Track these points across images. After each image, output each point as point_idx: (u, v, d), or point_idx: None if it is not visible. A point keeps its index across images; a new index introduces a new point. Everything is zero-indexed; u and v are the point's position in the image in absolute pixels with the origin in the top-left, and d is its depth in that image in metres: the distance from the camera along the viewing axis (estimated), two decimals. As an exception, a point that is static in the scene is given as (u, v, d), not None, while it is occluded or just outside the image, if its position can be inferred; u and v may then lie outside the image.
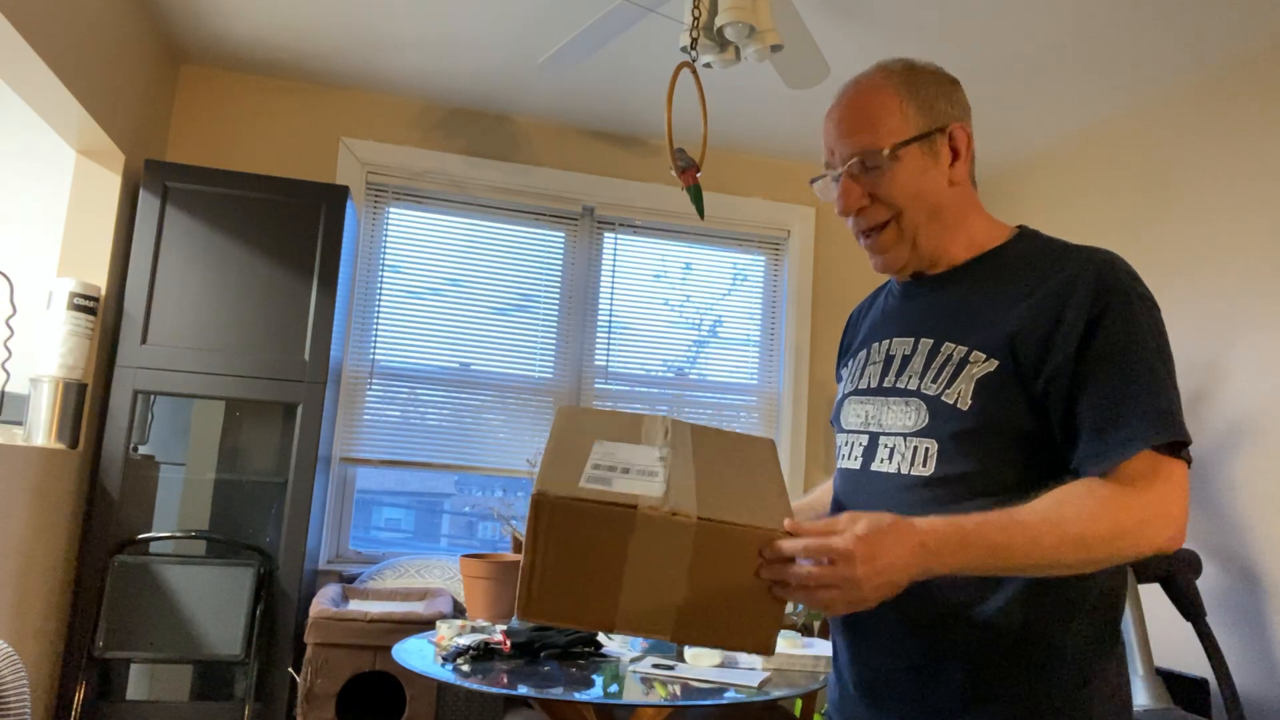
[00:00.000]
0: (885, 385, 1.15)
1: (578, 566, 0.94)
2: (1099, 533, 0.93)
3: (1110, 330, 1.00)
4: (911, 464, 1.08)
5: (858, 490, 1.15)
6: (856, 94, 1.15)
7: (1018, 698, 1.00)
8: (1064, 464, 1.02)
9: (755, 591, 0.94)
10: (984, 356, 1.05)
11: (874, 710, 1.09)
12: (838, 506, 1.20)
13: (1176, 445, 0.98)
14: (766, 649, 0.97)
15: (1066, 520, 0.94)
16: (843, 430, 1.22)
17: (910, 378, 1.12)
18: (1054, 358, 1.01)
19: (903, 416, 1.11)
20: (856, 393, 1.21)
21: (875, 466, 1.13)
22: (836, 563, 0.88)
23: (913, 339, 1.15)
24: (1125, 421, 0.97)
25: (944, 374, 1.08)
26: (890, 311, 1.24)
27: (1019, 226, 1.18)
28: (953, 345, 1.09)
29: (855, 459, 1.17)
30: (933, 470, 1.06)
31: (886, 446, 1.12)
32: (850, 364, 1.28)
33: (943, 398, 1.07)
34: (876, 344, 1.21)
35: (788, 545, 0.90)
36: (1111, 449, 0.97)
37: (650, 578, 0.94)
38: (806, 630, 3.00)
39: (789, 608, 2.73)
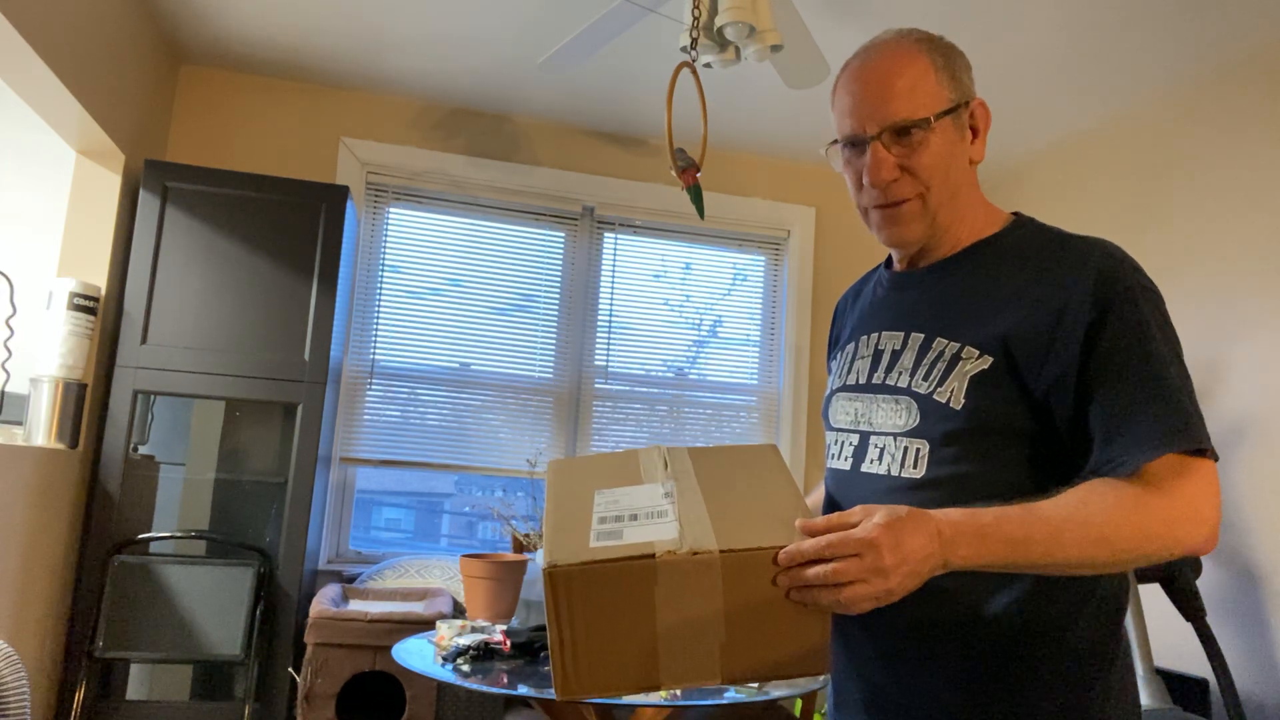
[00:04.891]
0: (875, 382, 1.11)
1: (608, 632, 0.89)
2: (1124, 533, 0.89)
3: (1117, 328, 0.96)
4: (902, 465, 1.04)
5: (848, 492, 1.12)
6: (887, 58, 1.07)
7: (1022, 703, 0.98)
8: (1064, 464, 0.99)
9: (795, 612, 0.89)
10: (977, 353, 1.01)
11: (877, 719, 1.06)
12: (830, 507, 1.16)
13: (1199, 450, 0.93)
14: (822, 667, 0.91)
15: (1090, 519, 0.89)
16: (832, 428, 1.18)
17: (900, 374, 1.07)
18: (1057, 358, 0.97)
19: (893, 415, 1.07)
20: (845, 389, 1.16)
21: (865, 467, 1.09)
22: (862, 555, 0.82)
23: (903, 333, 1.11)
24: (1144, 424, 0.93)
25: (935, 371, 1.04)
26: (879, 303, 1.19)
27: (1014, 214, 1.13)
28: (944, 341, 1.05)
29: (845, 459, 1.13)
30: (924, 472, 1.02)
31: (877, 447, 1.08)
32: (839, 357, 1.23)
33: (934, 396, 1.02)
34: (865, 337, 1.17)
35: (807, 546, 0.84)
36: (1131, 452, 0.92)
37: (686, 624, 0.89)
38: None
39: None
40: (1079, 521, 0.89)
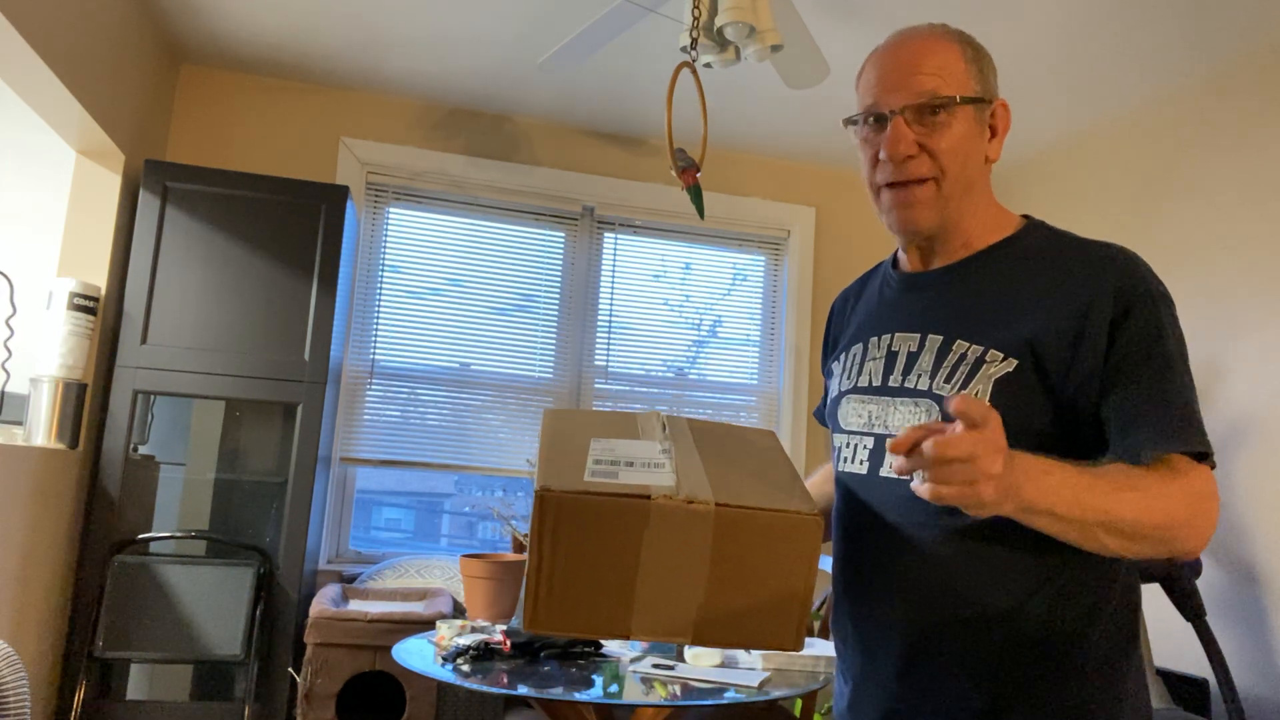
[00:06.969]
0: (890, 384, 1.09)
1: (589, 569, 0.86)
2: (1165, 505, 0.89)
3: (1135, 330, 0.97)
4: None
5: (866, 497, 1.10)
6: (919, 41, 1.07)
7: (1041, 706, 0.97)
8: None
9: (780, 583, 0.87)
10: (1001, 356, 1.00)
11: None
12: (841, 513, 1.15)
13: (1202, 454, 0.95)
14: (795, 644, 0.90)
15: (1138, 485, 0.89)
16: (842, 430, 1.16)
17: (919, 376, 1.06)
18: (1084, 360, 0.98)
19: (912, 418, 1.05)
20: (856, 390, 1.14)
21: (885, 472, 1.07)
22: (978, 458, 0.78)
23: (919, 335, 1.09)
24: (1156, 422, 0.95)
25: (959, 373, 1.02)
26: (889, 303, 1.17)
27: (1025, 217, 1.13)
28: (966, 343, 1.04)
29: (860, 463, 1.11)
30: None
31: None
32: (843, 358, 1.20)
33: None
34: (875, 338, 1.15)
35: (963, 438, 0.78)
36: (1146, 446, 0.94)
37: (667, 576, 0.87)
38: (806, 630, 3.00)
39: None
40: (1130, 486, 0.89)
